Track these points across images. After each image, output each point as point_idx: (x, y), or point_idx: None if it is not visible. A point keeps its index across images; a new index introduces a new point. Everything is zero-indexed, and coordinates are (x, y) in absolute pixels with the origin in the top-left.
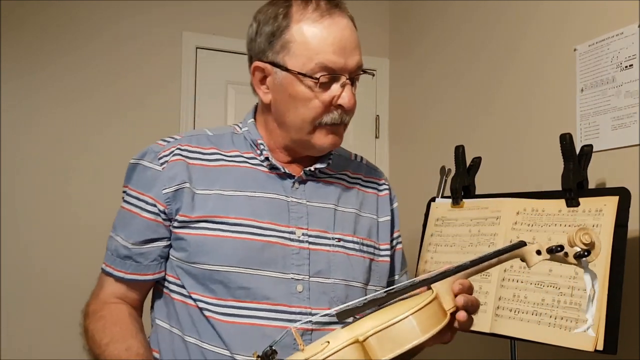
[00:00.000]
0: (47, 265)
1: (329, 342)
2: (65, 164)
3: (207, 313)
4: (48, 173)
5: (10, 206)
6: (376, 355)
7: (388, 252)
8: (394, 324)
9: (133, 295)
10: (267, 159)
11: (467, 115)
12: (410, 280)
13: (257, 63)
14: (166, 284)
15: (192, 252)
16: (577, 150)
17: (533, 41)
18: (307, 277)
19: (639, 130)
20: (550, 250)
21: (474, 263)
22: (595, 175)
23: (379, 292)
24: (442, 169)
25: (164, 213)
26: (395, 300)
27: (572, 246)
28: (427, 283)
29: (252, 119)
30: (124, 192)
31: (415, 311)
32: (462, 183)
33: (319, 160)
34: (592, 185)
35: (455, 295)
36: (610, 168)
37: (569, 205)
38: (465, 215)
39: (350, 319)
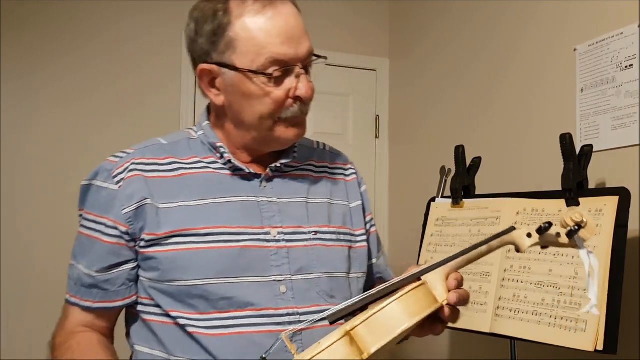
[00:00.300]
0: (47, 265)
1: (320, 343)
2: (65, 164)
3: (190, 329)
4: (48, 173)
5: (10, 206)
6: (367, 344)
7: (364, 237)
8: (381, 310)
9: (101, 324)
10: (229, 161)
11: (467, 115)
12: (400, 277)
13: (202, 66)
14: (140, 307)
15: (166, 270)
16: (577, 150)
17: (533, 41)
18: (289, 276)
19: (639, 130)
20: (539, 230)
21: (464, 252)
22: (595, 175)
23: (369, 292)
24: (442, 169)
25: (127, 234)
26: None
27: (565, 228)
28: (417, 275)
29: (208, 122)
30: (80, 216)
31: (402, 296)
32: (462, 183)
33: (283, 155)
34: (592, 185)
35: (449, 290)
36: (610, 168)
37: (569, 205)
38: (465, 215)
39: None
